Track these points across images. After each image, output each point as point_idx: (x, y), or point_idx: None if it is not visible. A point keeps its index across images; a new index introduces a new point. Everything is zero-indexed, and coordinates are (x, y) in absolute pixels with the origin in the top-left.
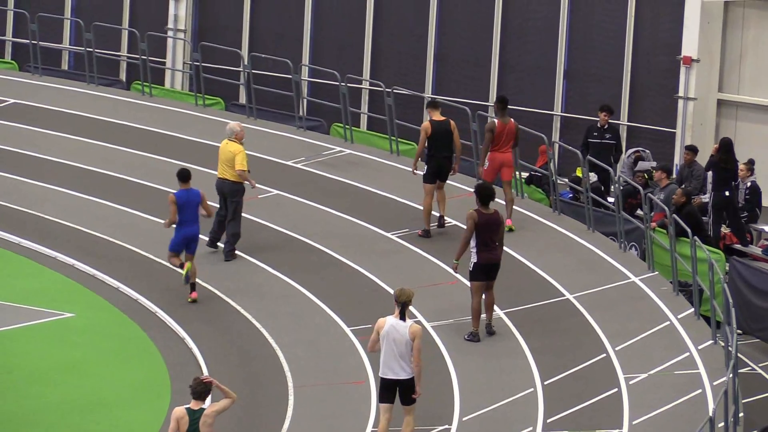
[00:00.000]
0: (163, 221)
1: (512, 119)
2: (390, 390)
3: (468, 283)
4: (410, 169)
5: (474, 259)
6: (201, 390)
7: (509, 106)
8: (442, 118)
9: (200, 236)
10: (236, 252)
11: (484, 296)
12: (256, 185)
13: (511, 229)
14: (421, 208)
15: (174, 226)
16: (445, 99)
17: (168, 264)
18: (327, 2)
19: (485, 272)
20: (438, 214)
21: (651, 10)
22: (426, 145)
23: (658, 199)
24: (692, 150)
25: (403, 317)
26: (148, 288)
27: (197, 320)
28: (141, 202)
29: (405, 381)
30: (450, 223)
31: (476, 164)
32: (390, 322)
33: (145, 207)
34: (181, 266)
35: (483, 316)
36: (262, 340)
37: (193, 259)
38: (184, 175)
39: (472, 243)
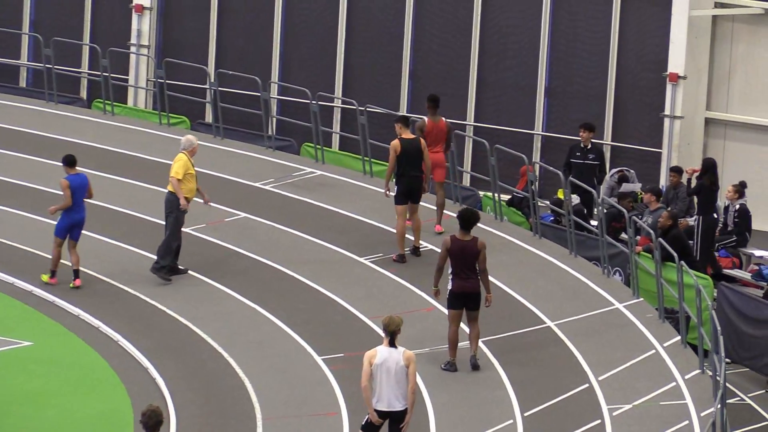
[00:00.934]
0: (115, 240)
1: (444, 119)
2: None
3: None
4: (383, 191)
5: (449, 286)
6: (153, 423)
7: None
8: (412, 136)
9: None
10: (169, 276)
11: (468, 329)
12: (212, 204)
13: (440, 234)
14: (407, 236)
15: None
16: (420, 117)
17: (51, 256)
18: (297, 17)
19: (461, 301)
20: (413, 239)
21: (636, 24)
22: (395, 164)
23: (646, 222)
24: (677, 171)
25: (393, 345)
26: (110, 315)
27: (161, 348)
28: (104, 227)
29: (397, 413)
30: (426, 247)
31: (453, 186)
32: (382, 351)
33: (109, 232)
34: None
35: (466, 345)
36: (229, 369)
37: (76, 246)
38: (71, 160)
39: (448, 269)
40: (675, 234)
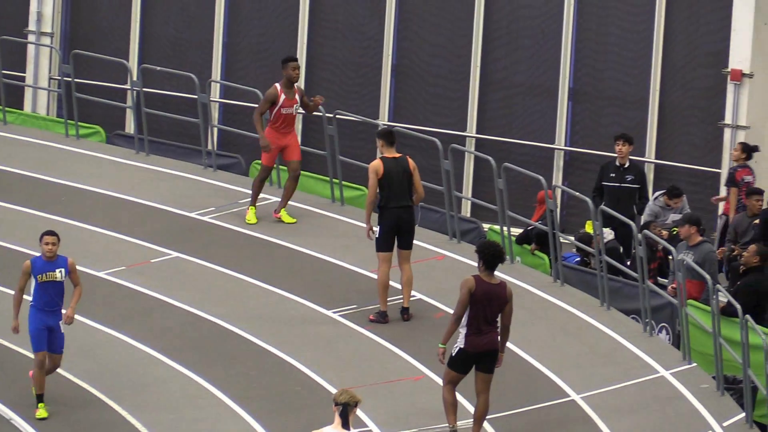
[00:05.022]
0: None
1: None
2: None
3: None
4: (358, 223)
5: (460, 342)
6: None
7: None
8: (397, 154)
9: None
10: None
11: (477, 399)
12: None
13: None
14: (375, 276)
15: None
16: (405, 127)
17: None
18: None
19: (471, 362)
20: (402, 296)
21: (687, 7)
22: (377, 191)
23: (684, 262)
24: (759, 193)
25: (346, 425)
26: (1, 385)
27: (67, 431)
28: None
29: None
30: (413, 297)
31: (449, 216)
32: None
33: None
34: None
35: (464, 424)
36: None
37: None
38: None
39: (463, 320)
40: (753, 281)
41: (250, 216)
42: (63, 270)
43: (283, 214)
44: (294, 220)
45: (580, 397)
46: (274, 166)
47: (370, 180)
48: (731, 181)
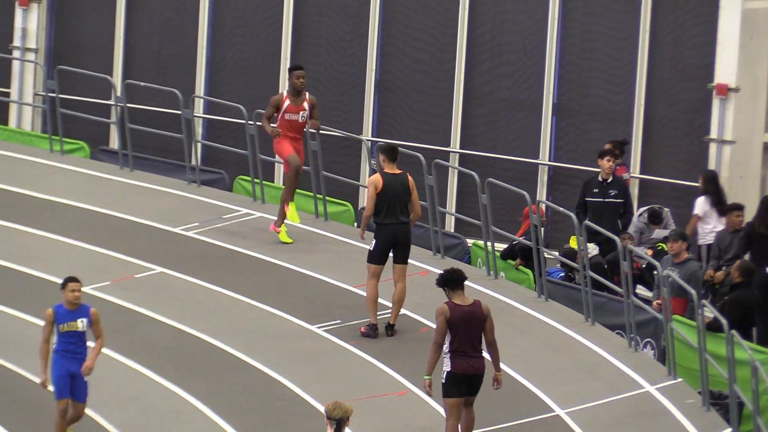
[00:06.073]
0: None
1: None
2: None
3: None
4: (342, 239)
5: (447, 366)
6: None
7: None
8: (398, 171)
9: None
10: None
11: (463, 412)
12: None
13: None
14: (362, 293)
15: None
16: (388, 142)
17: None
18: (229, 12)
19: (464, 385)
20: (390, 313)
21: (672, 21)
22: (374, 207)
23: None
24: (740, 208)
25: None
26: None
27: None
28: None
29: None
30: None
31: (433, 232)
32: None
33: None
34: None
35: None
36: None
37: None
38: None
39: (446, 347)
40: (740, 296)
41: (283, 235)
42: (85, 320)
43: (282, 234)
44: (290, 240)
45: (565, 413)
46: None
47: (368, 193)
48: None
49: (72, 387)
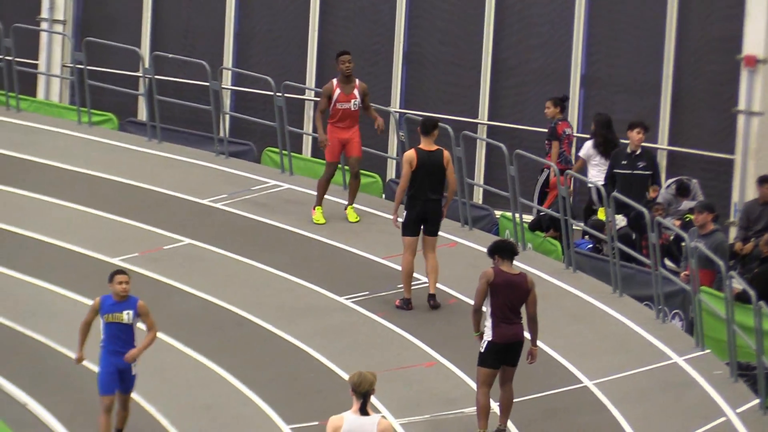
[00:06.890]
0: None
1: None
2: None
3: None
4: (370, 210)
5: (488, 335)
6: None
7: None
8: (434, 147)
9: None
10: None
11: (501, 390)
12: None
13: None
14: (390, 264)
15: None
16: (417, 114)
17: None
18: None
19: (501, 355)
20: (428, 283)
21: None
22: (409, 182)
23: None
24: None
25: (364, 411)
26: (14, 371)
27: (81, 414)
28: (8, 258)
29: None
30: (419, 283)
31: (461, 203)
32: (349, 420)
33: (14, 264)
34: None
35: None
36: None
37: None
38: None
39: (487, 313)
40: None
41: (318, 216)
42: (131, 312)
43: (349, 212)
44: (357, 219)
45: (593, 384)
46: (338, 163)
47: (404, 170)
48: (553, 135)
49: (120, 381)
